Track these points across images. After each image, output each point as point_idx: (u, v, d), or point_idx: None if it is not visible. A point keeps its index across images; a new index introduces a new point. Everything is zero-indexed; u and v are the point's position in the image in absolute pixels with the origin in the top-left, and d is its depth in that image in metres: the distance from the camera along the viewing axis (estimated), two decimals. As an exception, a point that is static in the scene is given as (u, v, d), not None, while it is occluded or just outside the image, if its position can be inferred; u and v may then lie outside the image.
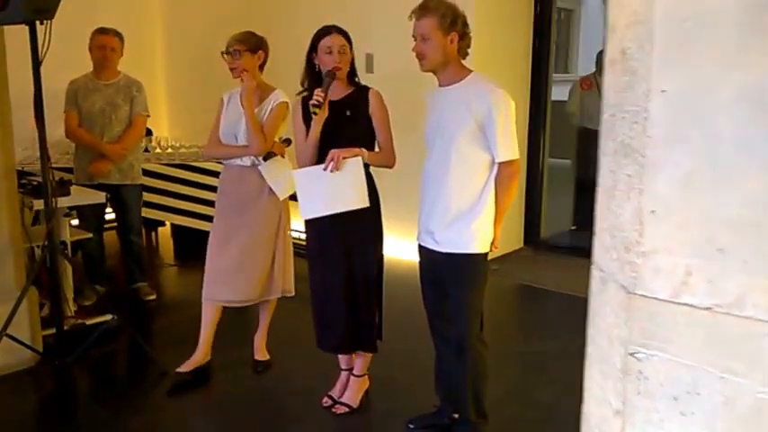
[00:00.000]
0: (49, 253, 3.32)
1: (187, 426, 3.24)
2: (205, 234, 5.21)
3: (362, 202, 2.91)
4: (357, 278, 3.05)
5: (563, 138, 6.56)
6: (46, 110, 3.34)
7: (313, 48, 2.99)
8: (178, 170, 5.28)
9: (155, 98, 6.06)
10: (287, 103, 3.40)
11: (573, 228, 6.38)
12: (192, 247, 5.74)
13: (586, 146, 6.05)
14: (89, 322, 3.85)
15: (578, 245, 5.93)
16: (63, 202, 3.58)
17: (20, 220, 3.48)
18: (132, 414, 3.23)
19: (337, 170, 2.85)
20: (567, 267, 5.40)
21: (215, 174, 5.12)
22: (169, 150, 5.37)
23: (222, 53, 3.40)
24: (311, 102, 2.87)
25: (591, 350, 1.21)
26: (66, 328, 3.51)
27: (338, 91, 3.01)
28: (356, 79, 3.10)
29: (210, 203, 5.17)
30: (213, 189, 5.11)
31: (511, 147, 2.63)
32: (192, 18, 6.69)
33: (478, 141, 2.63)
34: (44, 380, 3.50)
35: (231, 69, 3.37)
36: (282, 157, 3.49)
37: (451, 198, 2.70)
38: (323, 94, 2.86)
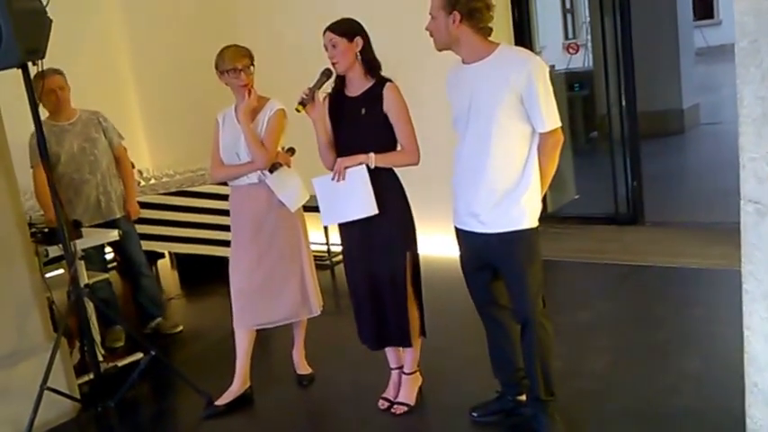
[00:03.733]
0: (76, 298, 3.20)
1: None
2: (211, 259, 5.17)
3: (370, 209, 2.90)
4: (381, 278, 3.01)
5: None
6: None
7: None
8: (176, 198, 5.17)
9: (131, 128, 5.91)
10: (284, 110, 3.32)
11: (576, 197, 6.37)
12: (196, 275, 5.63)
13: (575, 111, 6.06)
14: (120, 364, 3.75)
15: (584, 213, 5.96)
16: (77, 244, 3.44)
17: (39, 271, 3.35)
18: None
19: (343, 180, 2.87)
20: (578, 236, 5.47)
21: (216, 196, 5.02)
22: (165, 179, 5.25)
23: (225, 72, 3.22)
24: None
25: (751, 287, 1.17)
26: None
27: (355, 87, 2.95)
28: (380, 73, 2.98)
29: (214, 227, 5.08)
30: (216, 212, 5.03)
31: (554, 115, 2.59)
32: (158, 42, 6.49)
33: (518, 113, 2.58)
34: (90, 428, 3.38)
35: (242, 87, 3.21)
36: (288, 167, 3.40)
37: (497, 176, 2.63)
38: (308, 91, 2.89)
